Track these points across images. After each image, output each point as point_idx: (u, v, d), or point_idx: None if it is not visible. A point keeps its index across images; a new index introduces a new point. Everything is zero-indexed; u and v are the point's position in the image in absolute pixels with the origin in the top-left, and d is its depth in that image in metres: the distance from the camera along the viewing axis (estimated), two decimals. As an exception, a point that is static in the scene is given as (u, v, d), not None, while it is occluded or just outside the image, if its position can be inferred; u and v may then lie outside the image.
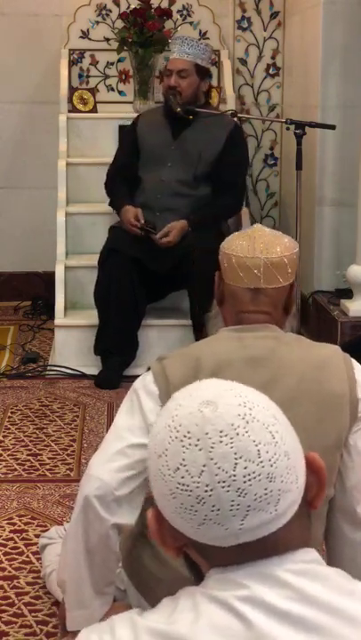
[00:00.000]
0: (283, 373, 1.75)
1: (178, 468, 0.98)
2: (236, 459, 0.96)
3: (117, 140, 4.97)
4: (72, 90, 5.17)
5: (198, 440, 0.97)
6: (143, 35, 4.95)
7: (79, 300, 4.46)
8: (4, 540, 2.72)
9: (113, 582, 1.92)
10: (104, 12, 5.30)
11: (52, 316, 4.55)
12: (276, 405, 1.04)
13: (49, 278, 4.72)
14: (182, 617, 0.98)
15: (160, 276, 4.14)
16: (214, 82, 4.96)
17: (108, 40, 5.27)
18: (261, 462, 0.96)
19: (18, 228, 5.45)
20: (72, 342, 4.27)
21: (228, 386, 1.02)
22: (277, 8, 5.33)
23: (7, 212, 5.45)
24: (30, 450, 3.39)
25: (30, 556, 2.62)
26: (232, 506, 0.96)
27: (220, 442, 0.96)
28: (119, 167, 4.40)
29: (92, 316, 4.23)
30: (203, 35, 5.24)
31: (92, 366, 4.19)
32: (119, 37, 5.05)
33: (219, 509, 0.96)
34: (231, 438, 0.96)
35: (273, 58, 5.38)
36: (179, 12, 5.29)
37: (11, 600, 2.40)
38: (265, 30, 5.35)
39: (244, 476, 0.96)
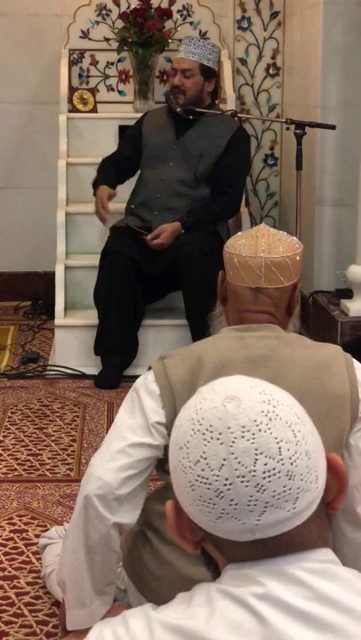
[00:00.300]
0: (284, 373, 1.75)
1: (198, 461, 0.98)
2: (256, 454, 0.96)
3: (117, 140, 4.97)
4: (72, 90, 5.17)
5: (220, 434, 0.98)
6: (143, 35, 4.95)
7: (79, 300, 4.46)
8: (3, 539, 2.72)
9: (113, 582, 1.92)
10: (104, 12, 5.30)
11: (52, 316, 4.55)
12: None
13: (49, 278, 4.73)
14: (197, 612, 0.98)
15: (157, 277, 4.14)
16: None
17: (108, 40, 5.27)
18: (282, 460, 0.97)
19: (18, 227, 5.45)
20: (72, 342, 4.27)
21: (253, 382, 1.03)
22: (277, 8, 5.33)
23: (7, 211, 5.45)
24: (30, 450, 3.39)
25: (30, 555, 2.61)
26: (250, 501, 0.96)
27: (242, 437, 0.97)
28: (115, 155, 4.42)
29: (92, 316, 4.24)
30: (203, 35, 5.24)
31: (92, 366, 4.19)
32: (119, 37, 5.05)
33: (237, 504, 0.97)
34: (253, 434, 0.97)
35: (273, 58, 5.38)
36: (179, 11, 5.30)
37: (11, 600, 2.40)
38: (265, 30, 5.35)
39: (264, 472, 0.96)
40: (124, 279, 4.08)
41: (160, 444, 1.80)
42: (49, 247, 4.67)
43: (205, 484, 0.98)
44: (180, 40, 5.16)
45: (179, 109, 4.20)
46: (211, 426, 0.99)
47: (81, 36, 5.31)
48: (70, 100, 5.11)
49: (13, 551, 2.65)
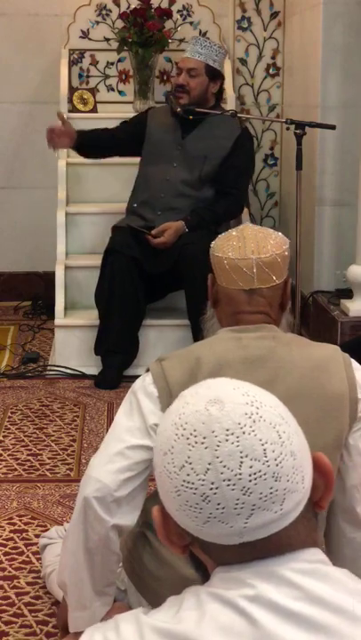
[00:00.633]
0: (282, 373, 1.75)
1: (183, 466, 0.98)
2: (241, 457, 0.96)
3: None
4: (72, 90, 5.17)
5: (204, 438, 0.97)
6: (143, 35, 4.95)
7: (79, 300, 4.46)
8: (4, 539, 2.72)
9: (113, 583, 1.92)
10: (104, 12, 5.30)
11: (52, 316, 4.55)
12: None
13: (49, 278, 4.73)
14: (187, 616, 0.98)
15: (158, 277, 4.14)
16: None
17: (108, 40, 5.27)
18: (267, 461, 0.96)
19: (18, 227, 5.45)
20: (72, 342, 4.27)
21: (235, 384, 1.02)
22: (277, 8, 5.33)
23: (7, 211, 5.45)
24: (30, 450, 3.39)
25: (30, 555, 2.61)
26: (237, 504, 0.96)
27: (227, 440, 0.96)
28: (107, 129, 4.39)
29: (92, 316, 4.24)
30: (203, 35, 5.23)
31: (92, 366, 4.19)
32: (119, 37, 5.05)
33: (224, 507, 0.96)
34: (237, 437, 0.97)
35: (273, 58, 5.38)
36: (179, 11, 5.30)
37: (11, 600, 2.40)
38: (265, 30, 5.35)
39: (250, 475, 0.96)
40: (126, 279, 4.08)
41: None
42: (49, 247, 4.67)
43: (191, 488, 0.97)
44: (180, 40, 5.19)
45: (179, 109, 4.20)
46: (195, 430, 0.98)
47: (81, 36, 5.31)
48: (70, 100, 5.11)
49: (13, 551, 2.65)
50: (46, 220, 4.90)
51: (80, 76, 5.33)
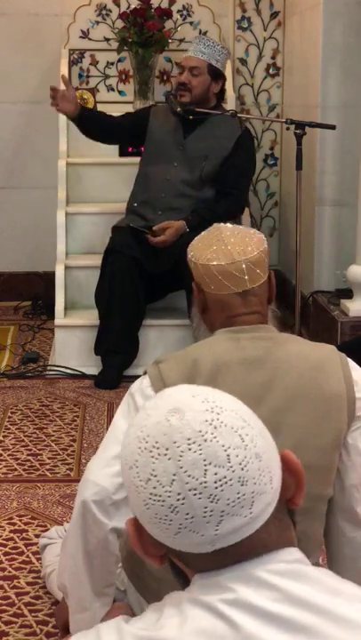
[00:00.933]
0: (280, 374, 1.75)
1: (149, 479, 0.98)
2: (205, 465, 0.96)
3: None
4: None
5: (167, 449, 0.97)
6: (143, 35, 4.95)
7: (79, 300, 4.46)
8: (3, 539, 2.72)
9: (113, 583, 1.92)
10: (104, 12, 5.30)
11: (52, 316, 4.55)
12: (248, 407, 1.03)
13: (49, 278, 4.73)
14: (168, 622, 0.98)
15: (158, 277, 4.14)
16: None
17: (108, 40, 5.27)
18: (232, 467, 0.96)
19: (18, 227, 5.45)
20: (72, 342, 4.27)
21: (194, 391, 1.02)
22: (277, 8, 5.33)
23: (7, 211, 5.45)
24: (30, 450, 3.39)
25: (30, 555, 2.61)
26: (205, 512, 0.96)
27: (189, 449, 0.96)
28: (116, 116, 4.40)
29: (92, 316, 4.24)
30: (206, 37, 5.23)
31: (92, 366, 4.19)
32: (119, 37, 5.05)
33: (193, 517, 0.96)
34: (199, 445, 0.96)
35: (273, 58, 5.38)
36: (179, 11, 5.30)
37: (11, 600, 2.40)
38: (265, 30, 5.36)
39: (215, 482, 0.95)
40: (126, 279, 4.08)
41: None
42: (49, 247, 4.67)
43: (159, 501, 0.97)
44: (180, 40, 5.19)
45: (179, 109, 4.20)
46: (157, 442, 0.98)
47: (81, 36, 5.31)
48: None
49: (13, 551, 2.65)
50: (46, 220, 4.90)
51: (80, 76, 5.33)
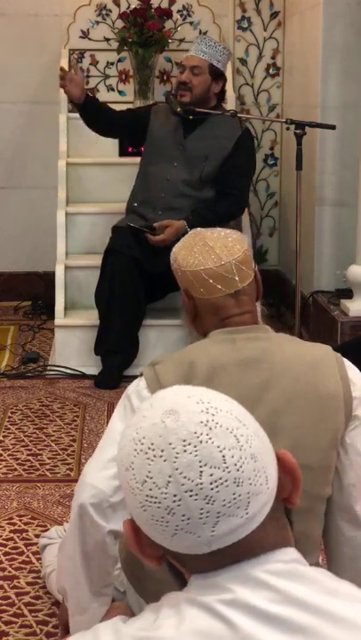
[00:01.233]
0: (277, 375, 1.75)
1: (145, 481, 0.98)
2: (201, 466, 0.96)
3: (117, 140, 4.97)
4: (69, 100, 5.16)
5: (162, 451, 0.97)
6: (143, 35, 4.95)
7: (79, 300, 4.47)
8: (3, 539, 2.72)
9: (111, 584, 1.92)
10: (104, 12, 5.30)
11: (52, 316, 4.55)
12: (245, 408, 1.03)
13: (49, 278, 4.73)
14: (166, 623, 0.98)
15: (159, 277, 4.14)
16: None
17: (108, 40, 5.27)
18: (227, 467, 0.96)
19: (18, 227, 5.46)
20: (72, 342, 4.27)
21: (189, 392, 1.02)
22: (277, 8, 5.33)
23: (7, 211, 5.45)
24: (30, 450, 3.39)
25: (30, 555, 2.62)
26: (201, 514, 0.96)
27: (185, 451, 0.96)
28: (119, 110, 4.41)
29: (92, 316, 4.24)
30: (208, 37, 5.23)
31: (92, 366, 4.19)
32: (119, 37, 5.05)
33: (189, 518, 0.96)
34: (195, 446, 0.96)
35: (273, 58, 5.38)
36: (179, 11, 5.30)
37: (11, 600, 2.40)
38: (265, 30, 5.36)
39: (211, 483, 0.95)
40: (126, 279, 4.08)
41: None
42: (49, 247, 4.67)
43: (155, 503, 0.97)
44: (180, 40, 5.20)
45: (179, 109, 4.20)
46: (152, 444, 0.98)
47: (81, 36, 5.31)
48: (70, 100, 5.10)
49: (13, 551, 2.65)
50: (46, 220, 4.90)
51: (80, 76, 5.33)
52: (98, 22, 5.31)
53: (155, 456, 0.97)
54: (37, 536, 2.67)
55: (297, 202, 4.02)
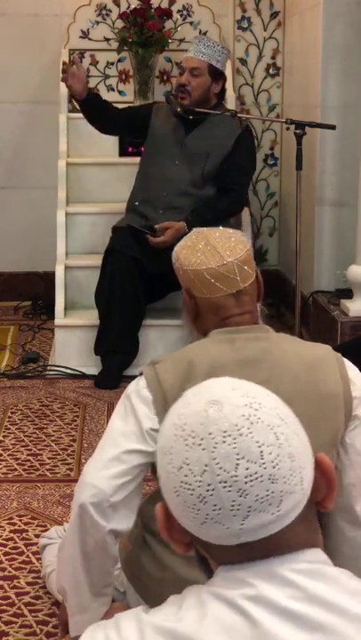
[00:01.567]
0: (277, 374, 1.75)
1: (181, 467, 0.98)
2: (238, 459, 0.96)
3: (117, 140, 4.98)
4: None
5: (202, 440, 0.98)
6: (143, 35, 4.95)
7: (79, 300, 4.47)
8: (4, 539, 2.72)
9: (111, 584, 1.92)
10: (104, 12, 5.30)
11: (52, 316, 4.55)
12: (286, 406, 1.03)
13: (49, 278, 4.73)
14: (188, 614, 0.98)
15: (159, 277, 4.14)
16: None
17: (108, 40, 5.27)
18: (264, 463, 0.96)
19: (18, 227, 5.45)
20: (72, 342, 4.27)
21: (235, 385, 1.02)
22: (277, 8, 5.33)
23: (7, 211, 5.45)
24: (30, 450, 3.39)
25: (30, 555, 2.62)
26: (233, 506, 0.96)
27: (223, 442, 0.97)
28: (120, 108, 4.42)
29: (92, 316, 4.24)
30: (206, 37, 5.23)
31: (92, 366, 4.19)
32: (119, 37, 5.05)
33: (220, 509, 0.97)
34: (234, 439, 0.97)
35: (273, 58, 5.38)
36: (179, 11, 5.30)
37: (11, 600, 2.40)
38: (265, 30, 5.36)
39: (246, 477, 0.96)
40: (126, 279, 4.08)
41: (153, 451, 1.79)
42: (49, 247, 4.67)
43: (189, 489, 0.98)
44: (180, 40, 5.19)
45: (179, 109, 4.20)
46: (193, 431, 0.99)
47: (81, 36, 5.31)
48: (70, 100, 5.10)
49: (13, 551, 2.65)
50: (46, 220, 4.90)
51: (80, 76, 5.33)
52: (98, 22, 5.31)
53: (194, 444, 0.98)
54: (37, 536, 2.67)
55: (297, 202, 4.02)
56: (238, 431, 0.97)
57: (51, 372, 4.24)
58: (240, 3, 5.33)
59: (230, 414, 0.98)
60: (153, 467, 1.86)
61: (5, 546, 2.68)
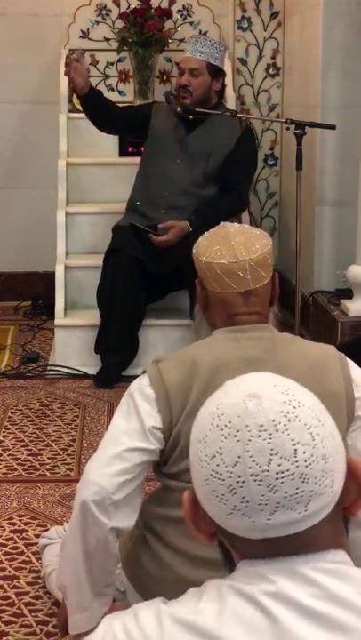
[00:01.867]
0: (280, 373, 1.74)
1: (214, 456, 0.99)
2: (271, 454, 0.96)
3: (117, 140, 4.97)
4: (72, 90, 5.16)
5: (238, 431, 0.98)
6: (143, 35, 4.95)
7: (79, 300, 4.47)
8: (4, 539, 2.72)
9: (112, 583, 1.92)
10: (104, 12, 5.30)
11: (52, 316, 4.55)
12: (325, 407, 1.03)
13: (49, 278, 4.73)
14: (208, 608, 0.99)
15: (160, 276, 4.14)
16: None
17: (108, 40, 5.27)
18: (297, 462, 0.96)
19: (18, 228, 5.45)
20: (72, 342, 4.27)
21: (277, 381, 1.03)
22: (277, 8, 5.33)
23: (7, 211, 5.45)
24: (30, 450, 3.39)
25: (30, 555, 2.62)
26: (261, 500, 0.96)
27: (259, 436, 0.97)
28: (121, 107, 4.42)
29: (92, 316, 4.24)
30: (203, 35, 5.23)
31: (92, 366, 4.19)
32: (119, 37, 5.05)
33: (248, 502, 0.97)
34: (270, 434, 0.97)
35: (273, 58, 5.38)
36: (179, 11, 5.30)
37: (11, 600, 2.40)
38: (265, 30, 5.36)
39: (277, 473, 0.96)
40: (127, 278, 4.08)
41: (156, 449, 1.79)
42: (49, 247, 4.67)
43: (219, 479, 0.98)
44: (180, 40, 5.19)
45: (179, 109, 4.20)
46: (229, 422, 0.99)
47: (81, 36, 5.31)
48: (70, 100, 5.10)
49: (13, 551, 2.65)
50: (46, 220, 4.90)
51: (80, 75, 5.32)
52: (98, 22, 5.31)
53: (229, 434, 0.98)
54: (37, 536, 2.67)
55: (297, 202, 4.02)
56: (275, 427, 0.97)
57: (51, 372, 4.24)
58: (240, 3, 5.33)
59: (269, 409, 0.98)
60: (155, 465, 1.86)
61: (5, 546, 2.68)
